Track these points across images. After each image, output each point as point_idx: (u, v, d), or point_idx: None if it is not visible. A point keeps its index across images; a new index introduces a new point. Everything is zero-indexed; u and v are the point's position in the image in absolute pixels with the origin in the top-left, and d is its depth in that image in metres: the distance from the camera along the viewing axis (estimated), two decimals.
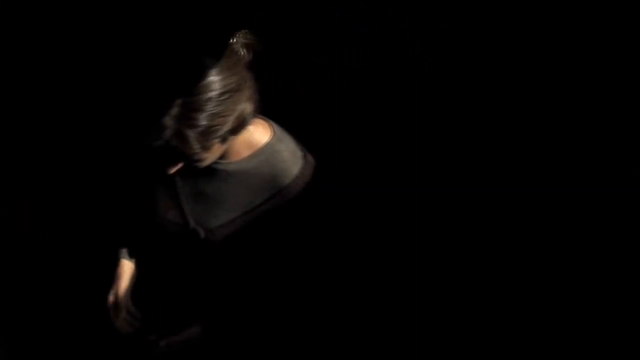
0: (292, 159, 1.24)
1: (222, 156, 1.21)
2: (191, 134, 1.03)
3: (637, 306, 1.53)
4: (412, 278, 1.81)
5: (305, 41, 1.89)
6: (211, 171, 1.23)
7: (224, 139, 1.12)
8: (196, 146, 1.06)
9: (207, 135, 1.06)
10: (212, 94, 1.03)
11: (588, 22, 1.61)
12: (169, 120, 1.02)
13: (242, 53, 1.12)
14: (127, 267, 1.40)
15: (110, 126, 1.84)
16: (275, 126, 1.27)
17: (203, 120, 1.03)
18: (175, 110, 1.02)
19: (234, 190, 1.24)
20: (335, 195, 1.48)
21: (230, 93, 1.06)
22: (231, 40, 1.11)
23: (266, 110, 1.25)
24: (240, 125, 1.12)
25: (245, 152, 1.23)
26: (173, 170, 1.13)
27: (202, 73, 1.03)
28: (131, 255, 1.42)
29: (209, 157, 1.13)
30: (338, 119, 1.92)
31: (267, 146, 1.23)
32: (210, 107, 1.04)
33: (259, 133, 1.24)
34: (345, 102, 1.91)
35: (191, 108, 1.02)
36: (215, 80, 1.04)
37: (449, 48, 1.78)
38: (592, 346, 1.58)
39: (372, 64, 1.86)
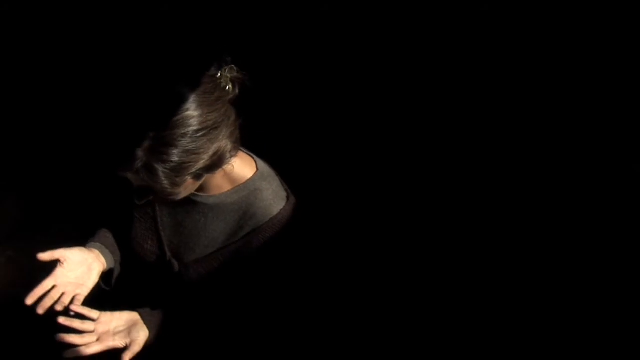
0: (273, 199, 1.20)
1: (203, 189, 1.19)
2: (160, 169, 1.00)
3: (637, 306, 1.53)
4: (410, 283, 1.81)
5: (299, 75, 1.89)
6: (191, 203, 1.21)
7: (197, 176, 1.08)
8: (164, 182, 1.02)
9: (177, 171, 1.02)
10: (188, 129, 0.99)
11: (588, 20, 1.60)
12: (139, 152, 0.98)
13: (228, 88, 1.08)
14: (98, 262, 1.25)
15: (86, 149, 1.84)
16: (261, 163, 1.24)
17: (174, 156, 0.99)
18: (147, 143, 0.98)
19: (212, 225, 1.21)
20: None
21: (206, 130, 1.01)
22: (217, 75, 1.07)
23: (255, 146, 1.23)
24: (216, 163, 1.08)
25: (226, 187, 1.20)
26: (142, 201, 1.09)
27: (180, 107, 0.99)
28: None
29: (182, 192, 1.10)
30: (329, 158, 1.91)
31: (249, 183, 1.19)
32: (183, 144, 0.99)
33: (243, 168, 1.20)
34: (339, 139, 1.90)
35: (164, 142, 0.98)
36: (192, 115, 0.99)
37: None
38: (592, 346, 1.57)
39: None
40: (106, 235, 1.33)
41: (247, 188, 1.19)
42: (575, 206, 1.67)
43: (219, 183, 1.19)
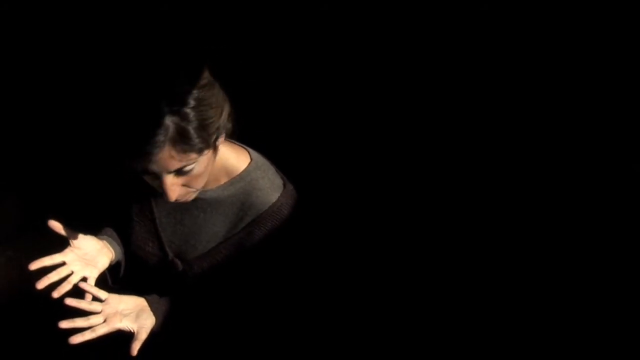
0: (270, 187, 1.21)
1: None
2: (190, 128, 1.00)
3: (637, 306, 1.53)
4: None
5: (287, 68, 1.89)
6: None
7: (216, 139, 1.08)
8: (197, 141, 1.01)
9: (204, 128, 1.02)
10: (193, 85, 1.01)
11: (588, 20, 1.60)
12: (165, 120, 0.99)
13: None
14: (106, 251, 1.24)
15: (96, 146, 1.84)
16: (254, 153, 1.25)
17: (194, 111, 1.00)
18: (166, 109, 0.98)
19: (212, 220, 1.22)
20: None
21: (209, 84, 1.05)
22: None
23: (248, 138, 1.25)
24: (225, 126, 1.10)
25: (223, 179, 1.21)
26: (172, 188, 1.06)
27: (179, 72, 1.03)
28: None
29: (203, 174, 1.09)
30: (320, 146, 1.91)
31: (245, 173, 1.21)
32: (196, 97, 1.01)
33: (237, 160, 1.21)
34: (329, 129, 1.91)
35: (180, 102, 1.00)
36: (192, 73, 1.03)
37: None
38: (592, 346, 1.57)
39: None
40: (112, 231, 1.33)
41: (244, 179, 1.20)
42: (575, 206, 1.67)
43: (216, 175, 1.20)
